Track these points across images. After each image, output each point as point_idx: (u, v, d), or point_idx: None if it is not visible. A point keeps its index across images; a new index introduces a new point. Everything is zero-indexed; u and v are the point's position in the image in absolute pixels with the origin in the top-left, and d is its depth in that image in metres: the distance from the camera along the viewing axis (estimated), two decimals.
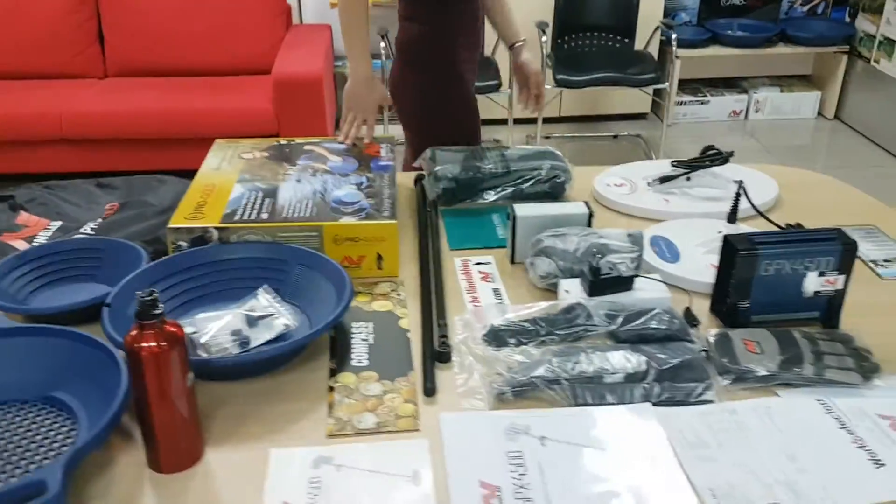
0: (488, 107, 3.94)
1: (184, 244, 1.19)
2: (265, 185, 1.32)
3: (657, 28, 3.77)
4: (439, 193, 1.49)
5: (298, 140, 1.53)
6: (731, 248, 1.09)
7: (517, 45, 1.94)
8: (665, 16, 3.97)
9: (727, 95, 4.17)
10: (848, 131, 4.07)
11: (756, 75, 4.33)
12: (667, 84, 3.55)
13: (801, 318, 1.12)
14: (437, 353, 1.07)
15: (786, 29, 4.05)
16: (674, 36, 3.51)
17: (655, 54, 3.85)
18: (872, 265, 1.29)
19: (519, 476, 0.87)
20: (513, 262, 1.33)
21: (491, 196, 1.50)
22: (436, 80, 1.78)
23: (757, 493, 0.85)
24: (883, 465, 0.89)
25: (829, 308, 1.11)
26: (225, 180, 1.34)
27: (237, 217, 1.21)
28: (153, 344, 0.80)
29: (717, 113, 4.16)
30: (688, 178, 1.54)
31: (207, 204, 1.25)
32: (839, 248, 1.08)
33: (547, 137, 3.95)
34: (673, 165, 1.57)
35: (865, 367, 1.02)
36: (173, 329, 0.81)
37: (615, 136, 3.97)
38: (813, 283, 1.09)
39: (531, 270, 1.25)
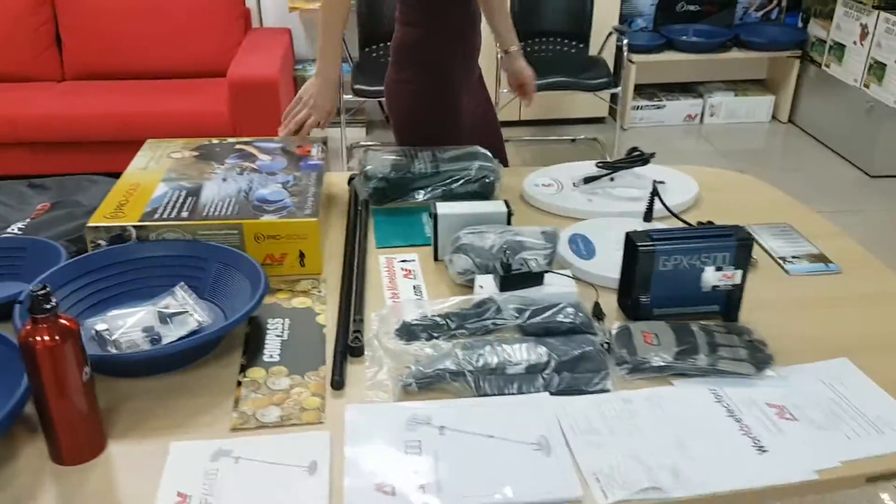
0: None
1: (102, 243, 1.21)
2: (189, 184, 1.34)
3: (611, 33, 3.83)
4: (370, 193, 1.52)
5: (230, 139, 1.55)
6: (631, 245, 1.13)
7: (512, 50, 1.99)
8: (621, 22, 4.03)
9: (683, 100, 4.24)
10: (801, 134, 4.16)
11: (711, 80, 4.41)
12: (619, 89, 3.60)
13: (702, 312, 1.16)
14: (348, 348, 1.10)
15: (740, 34, 4.13)
16: (625, 41, 3.57)
17: (612, 60, 3.91)
18: (781, 261, 1.34)
19: (414, 464, 0.90)
20: (436, 259, 1.36)
21: (421, 196, 1.53)
22: (426, 85, 1.78)
23: (640, 476, 0.89)
24: (765, 451, 0.93)
25: (728, 302, 1.16)
26: (150, 180, 1.36)
27: (157, 215, 1.23)
28: (46, 338, 0.81)
29: (672, 117, 4.23)
30: (611, 179, 1.58)
31: (129, 203, 1.27)
32: (734, 244, 1.12)
33: (507, 141, 3.99)
34: (597, 166, 1.61)
35: (759, 359, 1.06)
36: (67, 323, 0.83)
37: (573, 140, 4.03)
38: (711, 277, 1.13)
39: (450, 267, 1.28)
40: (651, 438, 0.94)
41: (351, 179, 1.63)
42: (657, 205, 1.42)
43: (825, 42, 3.97)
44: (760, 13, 4.34)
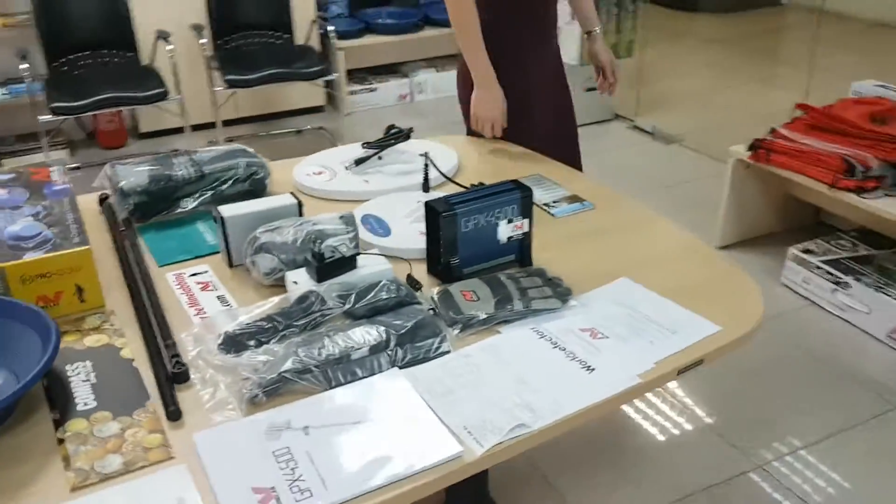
0: (158, 117, 3.72)
1: None
2: None
3: (314, 21, 3.86)
4: (131, 210, 1.39)
5: None
6: (433, 213, 1.18)
7: (593, 32, 1.96)
8: (318, 9, 4.07)
9: (392, 81, 4.42)
10: None
11: (413, 59, 4.65)
12: (335, 75, 3.65)
13: (502, 263, 1.26)
14: (172, 375, 1.01)
15: (428, 13, 4.40)
16: (331, 28, 3.62)
17: (317, 47, 3.94)
18: (546, 207, 1.49)
19: (291, 471, 0.87)
20: (231, 265, 1.29)
21: (190, 203, 1.44)
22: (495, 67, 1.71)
23: (503, 419, 0.95)
24: (593, 369, 1.05)
25: (521, 249, 1.27)
26: None
27: None
28: None
29: (386, 98, 4.40)
30: (380, 158, 1.62)
31: None
32: (519, 197, 1.23)
33: (230, 140, 3.85)
34: (364, 147, 1.64)
35: (561, 293, 1.18)
36: None
37: (299, 132, 4.01)
38: (505, 230, 1.23)
39: (254, 270, 1.23)
40: (499, 384, 1.01)
41: (103, 200, 1.48)
42: (433, 174, 1.49)
43: None
44: None
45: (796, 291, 2.59)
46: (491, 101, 1.66)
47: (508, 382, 1.02)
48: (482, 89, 1.64)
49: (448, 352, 1.07)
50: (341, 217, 1.28)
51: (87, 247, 1.13)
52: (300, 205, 1.33)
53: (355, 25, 4.17)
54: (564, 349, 1.09)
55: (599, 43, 1.96)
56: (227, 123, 3.88)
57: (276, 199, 1.33)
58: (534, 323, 1.14)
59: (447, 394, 0.99)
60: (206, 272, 1.28)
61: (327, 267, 1.17)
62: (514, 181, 1.26)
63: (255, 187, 1.50)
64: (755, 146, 2.64)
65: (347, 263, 1.18)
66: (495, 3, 1.73)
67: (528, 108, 1.79)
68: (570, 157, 1.90)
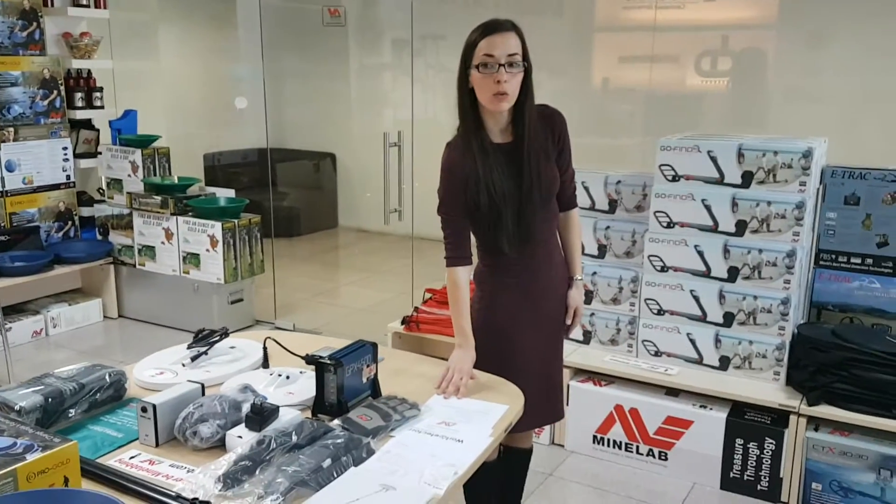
0: None
1: None
2: None
3: None
4: (38, 419, 1.55)
5: None
6: (323, 367, 1.68)
7: (574, 279, 2.25)
8: None
9: (25, 319, 4.31)
10: (135, 323, 4.76)
11: (41, 296, 4.59)
12: None
13: (365, 396, 1.79)
14: None
15: (58, 253, 4.50)
16: None
17: None
18: None
19: None
20: (157, 444, 1.56)
21: (73, 412, 1.64)
22: (482, 305, 2.15)
23: (441, 474, 1.48)
24: (461, 440, 1.64)
25: (374, 386, 1.82)
26: None
27: None
28: None
29: (22, 336, 4.26)
30: (207, 354, 1.99)
31: None
32: (370, 349, 1.80)
33: None
34: (189, 347, 1.99)
35: (413, 404, 1.76)
36: None
37: None
38: (365, 373, 1.78)
39: (194, 439, 1.54)
40: (421, 461, 1.53)
41: None
42: (258, 355, 1.94)
43: (133, 247, 4.72)
44: (60, 234, 4.79)
45: None
46: (463, 358, 2.00)
47: (426, 458, 1.55)
48: (460, 349, 2.03)
49: (374, 451, 1.56)
50: (242, 387, 1.67)
51: (74, 441, 1.34)
52: (203, 387, 1.67)
53: None
54: (438, 435, 1.66)
55: (575, 290, 2.25)
56: None
57: (182, 387, 1.65)
58: (408, 426, 1.69)
59: (393, 473, 1.49)
60: (139, 454, 1.52)
61: (265, 417, 1.56)
62: (361, 340, 1.83)
63: (118, 391, 1.76)
64: (406, 321, 3.52)
65: (274, 412, 1.59)
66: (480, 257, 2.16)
67: (512, 353, 2.15)
68: (554, 402, 2.28)
